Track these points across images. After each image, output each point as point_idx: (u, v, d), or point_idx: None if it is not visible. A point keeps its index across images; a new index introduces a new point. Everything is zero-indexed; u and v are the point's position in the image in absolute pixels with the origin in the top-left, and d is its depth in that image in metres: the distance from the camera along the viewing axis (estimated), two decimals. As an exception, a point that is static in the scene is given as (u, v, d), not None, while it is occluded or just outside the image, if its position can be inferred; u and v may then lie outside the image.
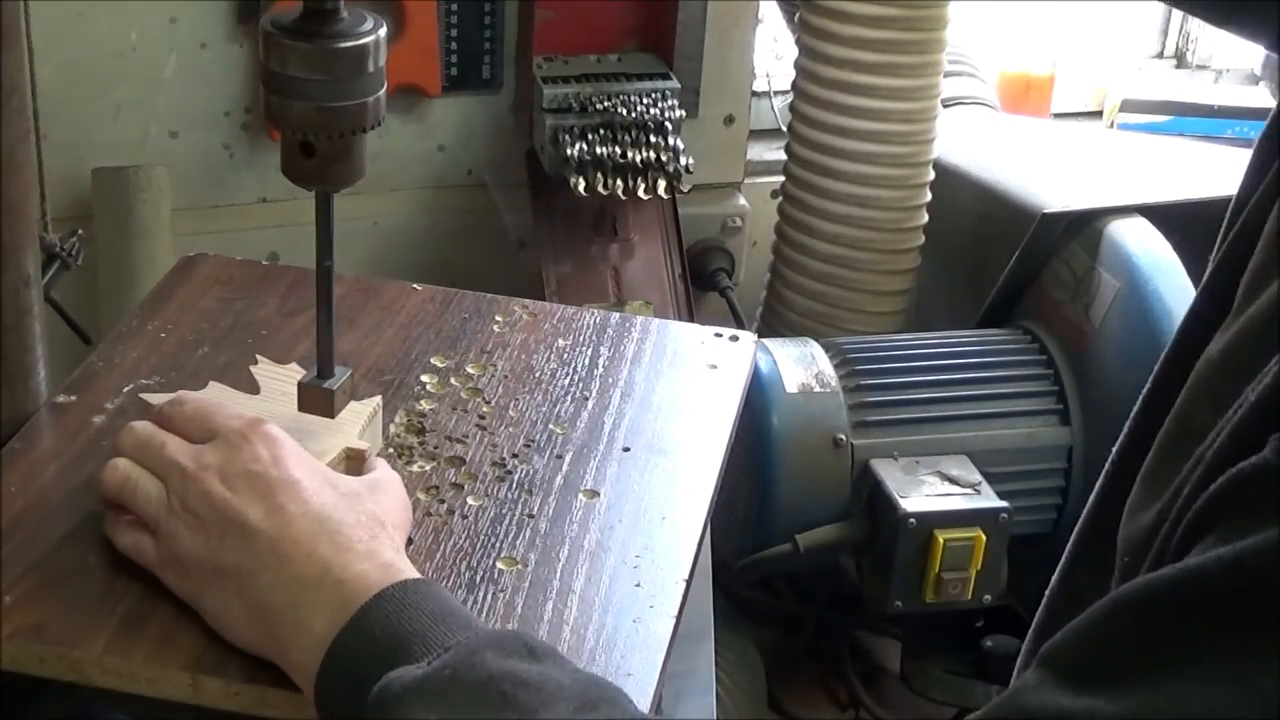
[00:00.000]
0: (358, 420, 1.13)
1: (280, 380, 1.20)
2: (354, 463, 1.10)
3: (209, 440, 1.02)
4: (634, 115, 2.46)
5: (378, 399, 1.17)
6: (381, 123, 1.02)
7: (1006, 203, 2.37)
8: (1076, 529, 0.96)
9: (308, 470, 1.00)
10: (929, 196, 2.47)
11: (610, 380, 1.28)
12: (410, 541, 1.05)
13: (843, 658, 2.51)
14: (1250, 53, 3.16)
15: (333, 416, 1.09)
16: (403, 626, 0.89)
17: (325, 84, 0.99)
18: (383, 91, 1.01)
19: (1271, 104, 2.13)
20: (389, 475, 1.08)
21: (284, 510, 0.96)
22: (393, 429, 1.19)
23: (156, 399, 1.16)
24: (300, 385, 1.10)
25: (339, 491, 1.00)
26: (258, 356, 1.24)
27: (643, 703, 0.96)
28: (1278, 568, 0.57)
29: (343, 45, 0.98)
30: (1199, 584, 0.59)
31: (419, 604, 0.90)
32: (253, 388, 1.20)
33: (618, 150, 2.44)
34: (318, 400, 1.09)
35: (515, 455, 1.18)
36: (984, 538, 2.05)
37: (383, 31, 1.00)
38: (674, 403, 1.26)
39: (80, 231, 1.34)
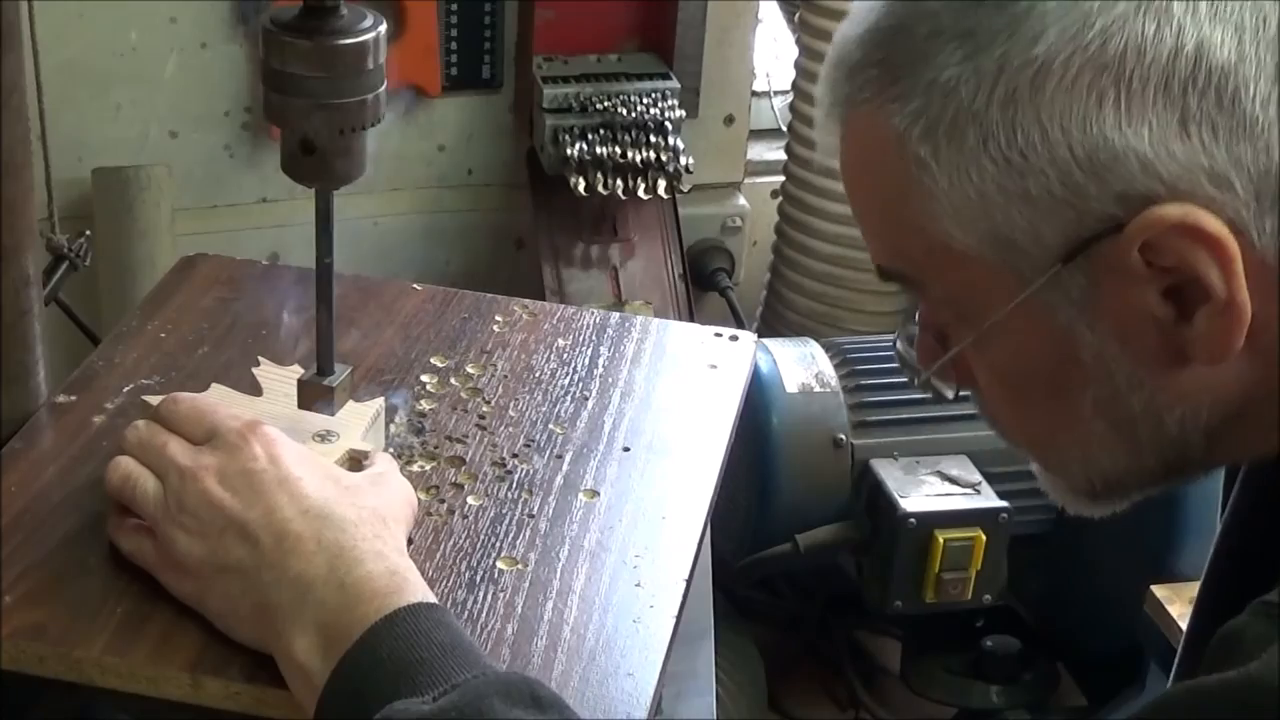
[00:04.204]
0: (360, 422, 1.12)
1: (282, 382, 1.19)
2: (356, 464, 1.09)
3: (207, 440, 1.02)
4: (634, 115, 2.46)
5: (380, 401, 1.17)
6: (381, 120, 1.02)
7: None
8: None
9: (307, 467, 1.00)
10: (929, 196, 2.47)
11: (610, 380, 1.27)
12: (410, 541, 1.05)
13: (843, 658, 2.51)
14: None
15: (333, 413, 1.09)
16: (411, 654, 0.88)
17: (325, 81, 0.99)
18: (383, 89, 1.01)
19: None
20: (392, 469, 1.08)
21: (284, 509, 0.96)
22: (393, 429, 1.19)
23: (157, 400, 1.16)
24: (300, 381, 1.10)
25: (340, 486, 1.00)
26: (259, 358, 1.24)
27: (643, 703, 0.96)
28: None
29: (343, 42, 0.98)
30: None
31: (430, 631, 0.90)
32: (254, 389, 1.20)
33: (618, 150, 2.44)
34: (317, 395, 1.09)
35: (515, 455, 1.18)
36: (984, 538, 2.05)
37: (383, 28, 1.00)
38: (674, 403, 1.26)
39: (88, 232, 1.34)
